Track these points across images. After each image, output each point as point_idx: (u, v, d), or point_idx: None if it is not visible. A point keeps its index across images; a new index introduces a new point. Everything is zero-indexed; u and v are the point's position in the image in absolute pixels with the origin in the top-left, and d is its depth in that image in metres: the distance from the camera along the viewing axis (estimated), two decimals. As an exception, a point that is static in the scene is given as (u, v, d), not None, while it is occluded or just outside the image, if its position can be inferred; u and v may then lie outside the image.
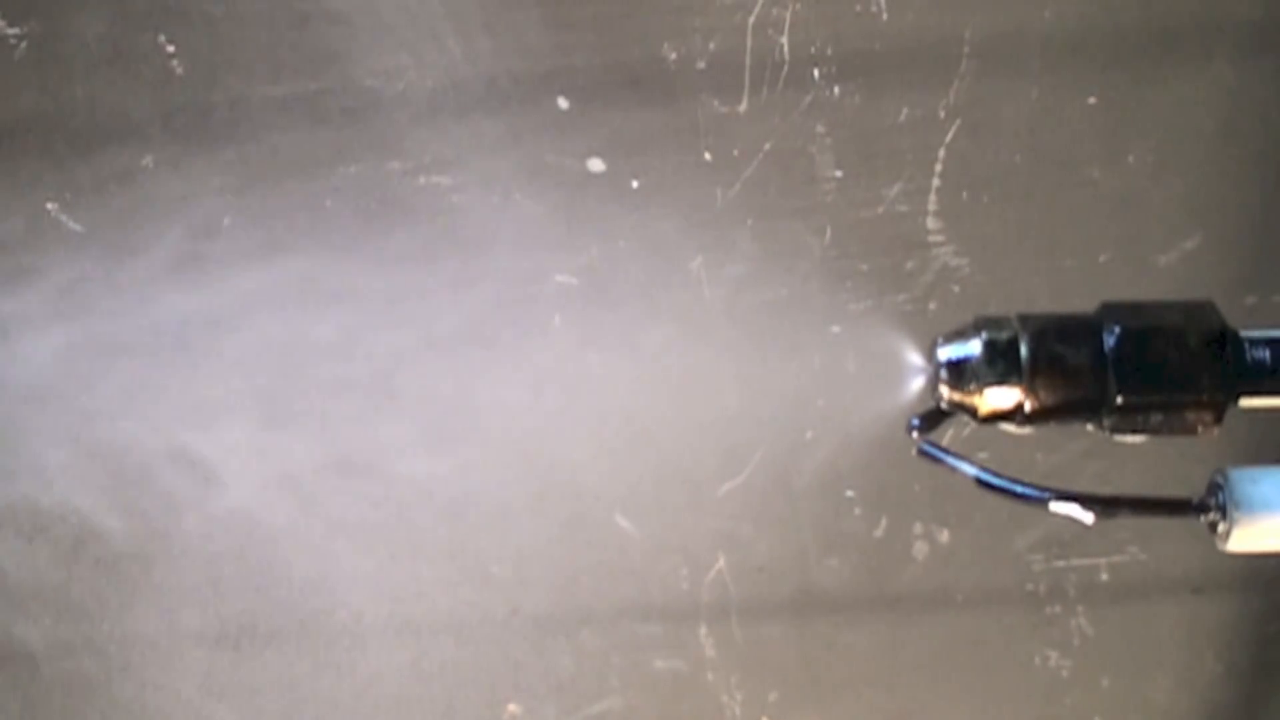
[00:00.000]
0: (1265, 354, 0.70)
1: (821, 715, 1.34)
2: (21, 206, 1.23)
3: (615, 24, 1.22)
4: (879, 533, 1.30)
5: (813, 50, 1.21)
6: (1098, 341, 0.70)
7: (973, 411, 0.71)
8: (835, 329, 1.23)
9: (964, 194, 1.24)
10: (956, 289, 1.25)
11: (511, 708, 1.32)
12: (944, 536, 1.30)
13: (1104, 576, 1.31)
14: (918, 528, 1.30)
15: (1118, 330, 0.70)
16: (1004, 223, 1.25)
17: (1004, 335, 0.71)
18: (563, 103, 1.23)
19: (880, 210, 1.24)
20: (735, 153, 1.23)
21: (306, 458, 1.23)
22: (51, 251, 1.22)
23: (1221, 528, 0.70)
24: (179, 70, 1.23)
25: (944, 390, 0.72)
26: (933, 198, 1.24)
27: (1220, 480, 0.70)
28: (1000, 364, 0.70)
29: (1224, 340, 0.70)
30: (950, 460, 0.72)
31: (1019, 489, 0.71)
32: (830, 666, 1.32)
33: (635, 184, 1.23)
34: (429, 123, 1.23)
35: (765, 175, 1.23)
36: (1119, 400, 0.69)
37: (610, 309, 1.22)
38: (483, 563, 1.29)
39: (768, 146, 1.23)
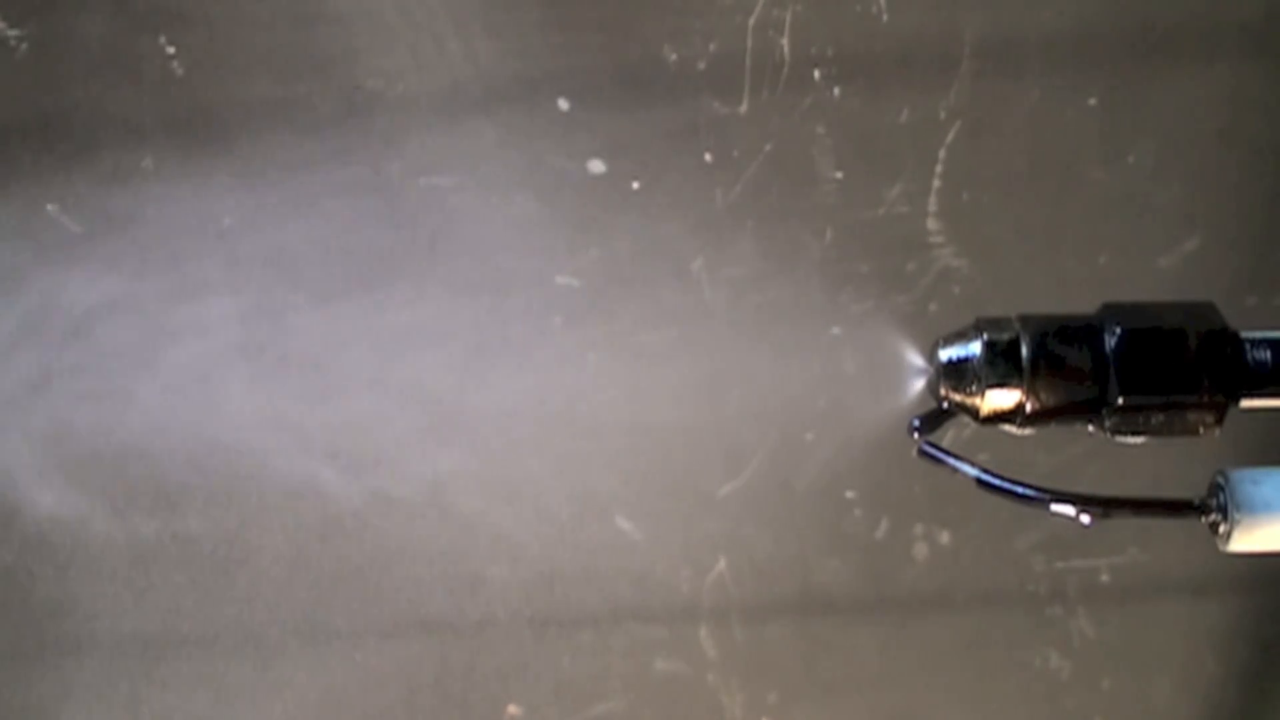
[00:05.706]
0: (1266, 355, 0.70)
1: (822, 716, 1.34)
2: (22, 207, 1.23)
3: (615, 24, 1.22)
4: (879, 534, 1.30)
5: (813, 51, 1.21)
6: (1099, 342, 0.70)
7: (973, 413, 0.71)
8: (836, 330, 1.22)
9: (965, 195, 1.24)
10: (957, 290, 1.25)
11: (511, 708, 1.32)
12: (944, 537, 1.29)
13: (1105, 578, 1.31)
14: (918, 529, 1.30)
15: (1119, 331, 0.70)
16: (1004, 224, 1.25)
17: (1005, 336, 0.70)
18: (563, 103, 1.23)
19: (881, 211, 1.24)
20: (736, 154, 1.23)
21: (301, 455, 1.23)
22: (51, 253, 1.22)
23: (1223, 529, 0.70)
24: (179, 71, 1.23)
25: (945, 391, 0.72)
26: (933, 199, 1.24)
27: (1221, 481, 0.70)
28: (1001, 365, 0.70)
29: (1225, 341, 0.70)
30: (951, 461, 0.72)
31: (1019, 490, 0.71)
32: (830, 667, 1.32)
33: (636, 185, 1.23)
34: (429, 123, 1.23)
35: (766, 176, 1.23)
36: (1120, 401, 0.69)
37: (611, 310, 1.22)
38: (482, 563, 1.29)
39: (768, 148, 1.23)
